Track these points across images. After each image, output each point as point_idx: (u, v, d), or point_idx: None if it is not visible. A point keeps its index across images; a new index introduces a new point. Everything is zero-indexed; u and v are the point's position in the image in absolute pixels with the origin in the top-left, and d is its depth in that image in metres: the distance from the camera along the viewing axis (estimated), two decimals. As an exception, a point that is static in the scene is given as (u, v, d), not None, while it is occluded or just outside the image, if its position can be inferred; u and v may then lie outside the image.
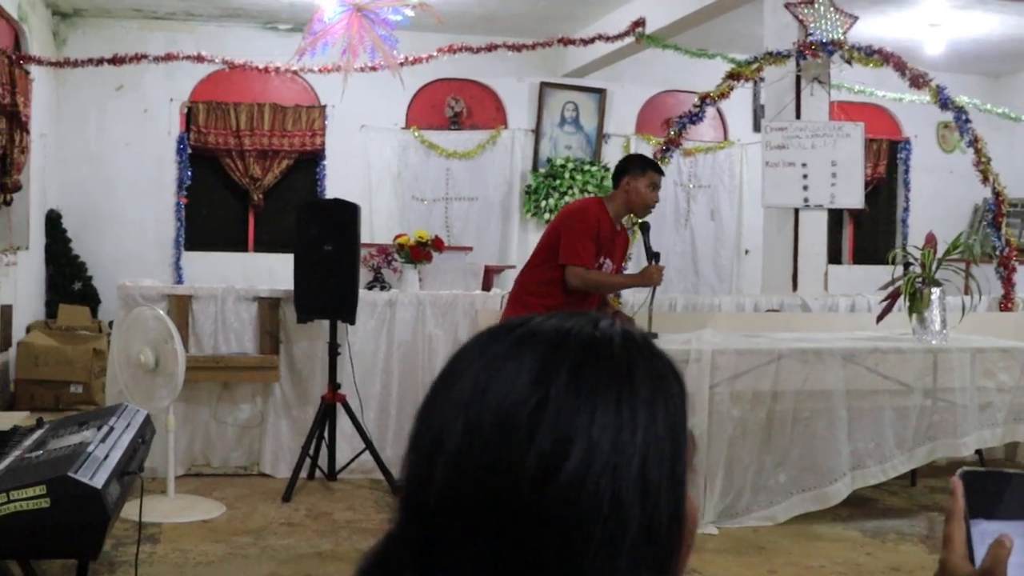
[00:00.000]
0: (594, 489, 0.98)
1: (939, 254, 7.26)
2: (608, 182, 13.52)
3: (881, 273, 7.72)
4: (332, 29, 9.26)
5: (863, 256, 14.96)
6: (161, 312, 6.88)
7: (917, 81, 8.89)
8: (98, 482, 3.11)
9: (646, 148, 13.49)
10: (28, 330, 10.55)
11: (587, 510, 0.98)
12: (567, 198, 13.52)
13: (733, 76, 8.99)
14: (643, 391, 1.04)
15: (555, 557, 0.98)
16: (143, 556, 5.79)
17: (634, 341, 1.08)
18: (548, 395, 1.00)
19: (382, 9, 9.23)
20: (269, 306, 7.92)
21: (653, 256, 6.85)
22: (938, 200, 14.67)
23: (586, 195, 13.53)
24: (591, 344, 1.05)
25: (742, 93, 12.72)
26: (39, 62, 10.99)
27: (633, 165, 6.80)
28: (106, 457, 3.40)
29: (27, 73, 10.63)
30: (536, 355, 1.03)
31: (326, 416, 7.50)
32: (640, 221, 7.29)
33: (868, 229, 15.23)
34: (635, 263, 8.24)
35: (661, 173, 6.86)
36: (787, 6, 9.11)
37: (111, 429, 3.76)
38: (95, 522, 3.07)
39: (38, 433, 3.96)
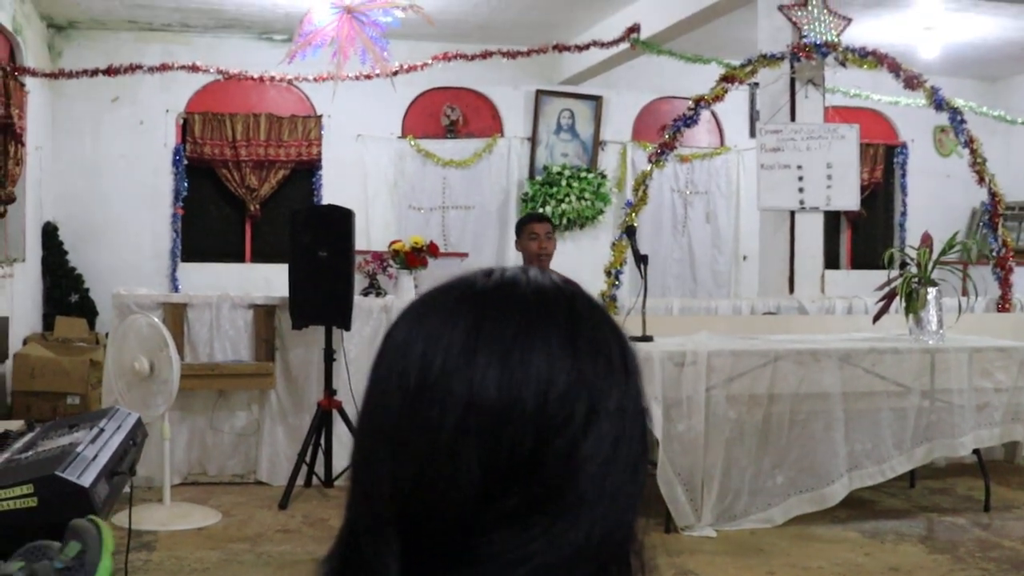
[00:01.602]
0: (609, 455, 1.00)
1: (935, 254, 7.25)
2: (604, 188, 13.60)
3: (879, 278, 7.70)
4: (322, 31, 9.26)
5: (861, 261, 14.93)
6: (156, 319, 6.87)
7: (911, 82, 8.88)
8: (86, 481, 3.09)
9: (642, 155, 13.49)
10: (25, 342, 10.53)
11: (600, 476, 0.99)
12: (564, 206, 13.54)
13: (727, 79, 8.98)
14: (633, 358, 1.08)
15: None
16: (139, 563, 5.78)
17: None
18: (582, 371, 1.00)
19: (372, 11, 9.24)
20: (264, 313, 7.91)
21: (641, 259, 6.91)
22: (936, 205, 14.65)
23: (583, 202, 13.59)
24: (592, 306, 1.07)
25: (738, 99, 12.74)
26: (34, 74, 10.99)
27: (515, 229, 7.69)
28: (95, 457, 3.38)
29: (22, 85, 10.62)
30: (558, 336, 1.02)
31: (322, 423, 7.48)
32: (627, 225, 7.37)
33: (866, 234, 15.22)
34: (629, 267, 8.22)
35: (537, 219, 7.73)
36: (781, 8, 9.12)
37: (101, 430, 3.74)
38: (83, 521, 3.04)
39: (29, 436, 3.94)
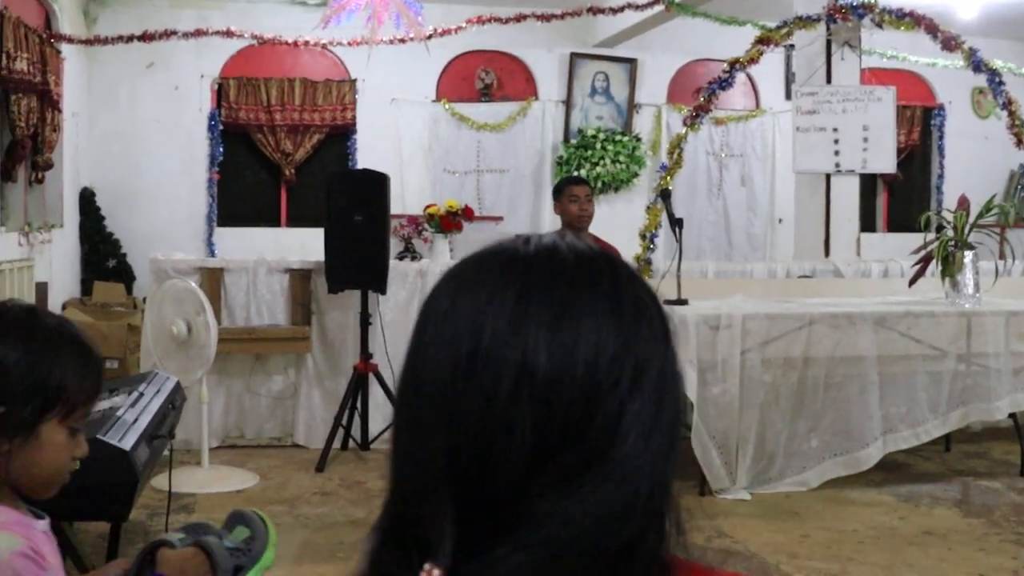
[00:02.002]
0: (652, 419, 1.02)
1: (972, 217, 7.21)
2: (639, 152, 13.57)
3: (916, 241, 7.66)
4: (357, -5, 9.29)
5: (897, 224, 14.85)
6: (193, 284, 6.92)
7: (949, 43, 8.80)
8: (127, 444, 3.14)
9: (677, 117, 13.45)
10: (64, 307, 10.62)
11: (644, 439, 1.01)
12: (599, 169, 13.51)
13: (762, 41, 8.93)
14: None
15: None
16: (178, 525, 5.83)
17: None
18: (628, 336, 1.03)
19: (406, -26, 9.26)
20: (300, 277, 7.95)
21: (676, 222, 6.92)
22: (974, 167, 14.52)
23: (617, 165, 13.57)
24: (631, 272, 1.09)
25: (773, 61, 12.64)
26: (70, 40, 11.04)
27: (554, 192, 7.76)
28: (135, 421, 3.42)
29: (58, 52, 10.68)
30: (604, 301, 1.04)
31: (358, 386, 7.52)
32: (661, 188, 7.39)
33: (902, 197, 15.12)
34: (663, 230, 8.22)
35: (577, 182, 7.87)
36: (816, -31, 9.06)
37: (140, 395, 3.79)
38: (124, 483, 3.09)
39: (69, 400, 3.99)
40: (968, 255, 7.05)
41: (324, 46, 11.67)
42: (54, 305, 10.38)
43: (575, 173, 13.17)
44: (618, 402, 1.00)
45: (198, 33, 11.13)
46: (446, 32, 10.81)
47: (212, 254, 12.48)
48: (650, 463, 1.01)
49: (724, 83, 8.85)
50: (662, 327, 1.06)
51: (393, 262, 7.83)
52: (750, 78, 14.05)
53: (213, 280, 7.86)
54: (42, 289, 9.71)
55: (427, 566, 1.01)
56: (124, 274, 12.13)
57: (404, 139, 13.40)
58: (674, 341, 1.07)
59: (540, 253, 1.06)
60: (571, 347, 1.00)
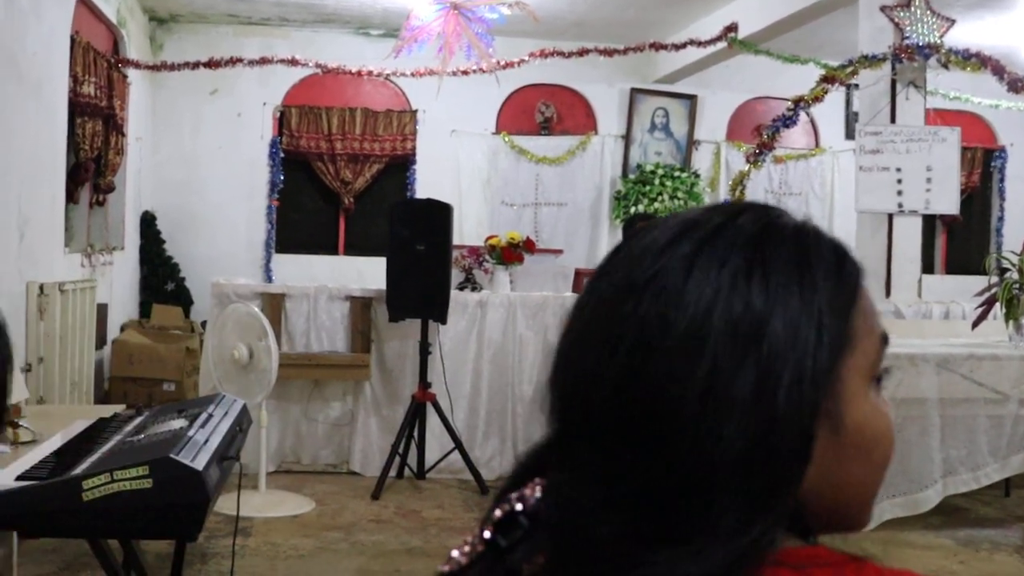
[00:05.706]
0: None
1: (1037, 260, 7.16)
2: (698, 188, 13.54)
3: (975, 283, 7.61)
4: (428, 27, 9.36)
5: (956, 267, 14.73)
6: (256, 309, 6.97)
7: (1015, 85, 8.75)
8: (199, 464, 3.16)
9: (736, 154, 13.46)
10: (122, 329, 10.72)
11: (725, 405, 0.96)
12: (657, 204, 13.48)
13: (827, 79, 8.91)
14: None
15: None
16: (236, 548, 5.87)
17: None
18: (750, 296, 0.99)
19: (478, 7, 9.31)
20: (361, 305, 7.99)
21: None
22: (1034, 210, 14.44)
23: (676, 201, 13.55)
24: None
25: (834, 100, 12.61)
26: (136, 65, 11.17)
27: (625, 227, 7.59)
28: (206, 442, 3.45)
29: (124, 77, 10.80)
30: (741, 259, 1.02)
31: (416, 415, 7.55)
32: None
33: (961, 239, 15.00)
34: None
35: (650, 220, 7.71)
36: (883, 9, 9.01)
37: (210, 416, 3.81)
38: (196, 503, 3.11)
39: (138, 419, 4.03)
40: (1033, 298, 7.00)
41: (387, 77, 11.74)
42: (113, 326, 10.47)
43: (633, 209, 13.18)
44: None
45: (263, 61, 11.22)
46: (508, 65, 10.84)
47: (269, 280, 12.57)
48: None
49: (788, 121, 8.84)
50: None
51: (453, 292, 7.86)
52: (810, 116, 14.00)
53: (274, 306, 7.91)
54: (102, 310, 9.80)
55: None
56: (182, 297, 12.23)
57: (463, 170, 13.45)
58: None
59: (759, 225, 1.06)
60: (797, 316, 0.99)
